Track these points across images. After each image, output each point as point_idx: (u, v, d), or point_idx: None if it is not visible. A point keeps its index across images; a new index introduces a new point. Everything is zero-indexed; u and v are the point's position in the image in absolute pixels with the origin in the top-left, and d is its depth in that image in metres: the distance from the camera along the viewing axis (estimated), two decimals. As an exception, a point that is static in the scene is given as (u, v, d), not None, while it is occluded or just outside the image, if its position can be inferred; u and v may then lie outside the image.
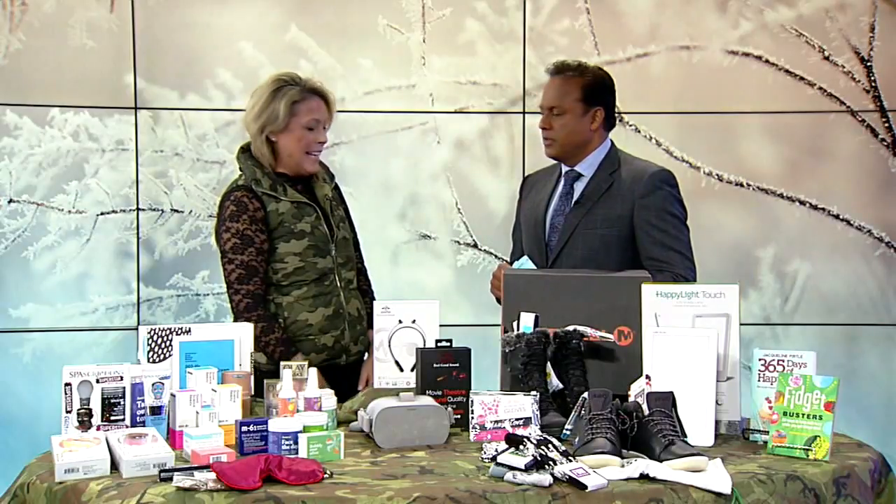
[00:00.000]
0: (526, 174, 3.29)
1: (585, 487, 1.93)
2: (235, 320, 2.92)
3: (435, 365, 2.52)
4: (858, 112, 4.32)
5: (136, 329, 3.98)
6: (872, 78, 4.32)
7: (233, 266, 2.92)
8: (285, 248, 2.94)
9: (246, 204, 2.92)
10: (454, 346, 2.56)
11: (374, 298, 3.09)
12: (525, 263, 2.90)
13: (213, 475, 1.93)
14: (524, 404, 2.36)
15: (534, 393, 2.39)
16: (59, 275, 4.18)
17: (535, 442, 2.07)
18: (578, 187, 3.02)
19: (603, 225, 2.93)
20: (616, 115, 3.09)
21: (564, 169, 3.07)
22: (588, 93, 2.99)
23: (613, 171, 2.99)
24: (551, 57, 4.23)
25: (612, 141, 3.07)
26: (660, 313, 2.50)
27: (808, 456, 2.18)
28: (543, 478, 1.95)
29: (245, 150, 3.02)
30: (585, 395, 2.27)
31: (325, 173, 3.12)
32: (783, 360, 2.42)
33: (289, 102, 2.96)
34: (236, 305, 2.93)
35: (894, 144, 4.34)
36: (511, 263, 3.11)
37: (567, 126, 2.98)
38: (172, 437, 2.32)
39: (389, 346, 2.67)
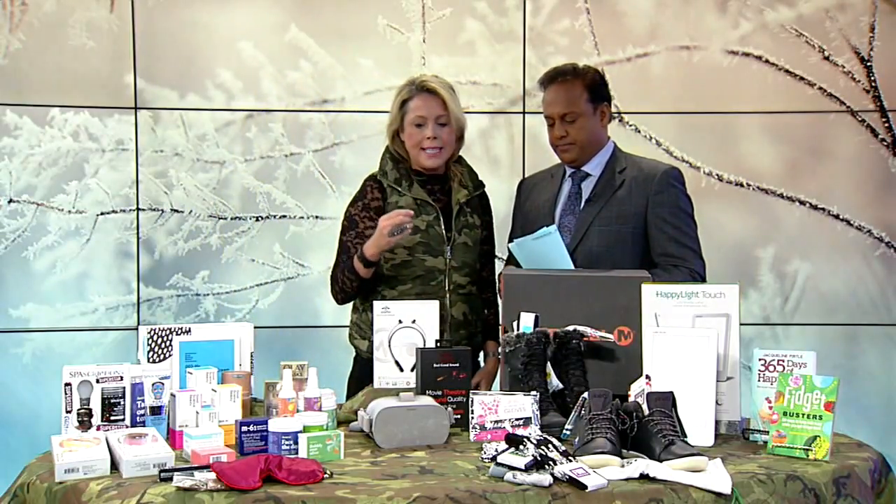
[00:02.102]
0: (522, 178, 3.28)
1: (585, 487, 1.93)
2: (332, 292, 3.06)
3: (435, 365, 2.52)
4: (858, 112, 4.33)
5: (136, 329, 3.98)
6: (872, 78, 4.32)
7: (338, 245, 3.06)
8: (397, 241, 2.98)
9: (366, 192, 3.07)
10: (454, 346, 2.56)
11: (497, 311, 3.14)
12: (552, 233, 2.81)
13: (213, 475, 1.93)
14: (524, 404, 2.36)
15: (534, 393, 2.39)
16: (59, 275, 4.18)
17: (535, 442, 2.07)
18: (587, 186, 3.03)
19: (617, 221, 2.95)
20: (616, 113, 3.10)
21: (569, 170, 3.07)
22: (593, 91, 3.00)
23: (622, 169, 3.01)
24: (551, 57, 4.26)
25: (612, 140, 3.09)
26: (660, 313, 2.50)
27: (808, 456, 2.18)
28: (543, 478, 1.95)
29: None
30: (585, 395, 2.27)
31: (468, 178, 3.15)
32: (783, 360, 2.42)
33: (399, 102, 3.07)
34: (331, 281, 3.06)
35: (894, 144, 4.34)
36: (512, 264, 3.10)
37: (584, 128, 2.99)
38: (172, 437, 2.32)
39: (389, 346, 2.67)
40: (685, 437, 2.19)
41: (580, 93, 2.99)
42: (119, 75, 4.20)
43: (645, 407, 2.23)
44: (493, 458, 2.08)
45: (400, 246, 2.96)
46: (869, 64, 4.32)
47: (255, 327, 2.72)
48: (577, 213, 3.01)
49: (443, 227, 3.03)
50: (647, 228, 2.96)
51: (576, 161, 3.04)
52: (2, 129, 4.13)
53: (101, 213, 4.21)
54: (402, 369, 2.67)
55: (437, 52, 4.30)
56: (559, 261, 2.78)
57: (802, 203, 4.35)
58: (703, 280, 2.89)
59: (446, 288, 3.02)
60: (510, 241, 3.22)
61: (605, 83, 3.06)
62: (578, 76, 3.01)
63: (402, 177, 3.05)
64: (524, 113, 4.31)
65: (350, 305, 3.14)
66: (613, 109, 3.07)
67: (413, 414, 2.33)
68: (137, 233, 4.23)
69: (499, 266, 3.24)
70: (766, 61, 4.33)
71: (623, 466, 2.05)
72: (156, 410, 2.38)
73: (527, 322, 2.55)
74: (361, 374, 2.96)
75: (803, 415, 2.22)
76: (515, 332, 2.54)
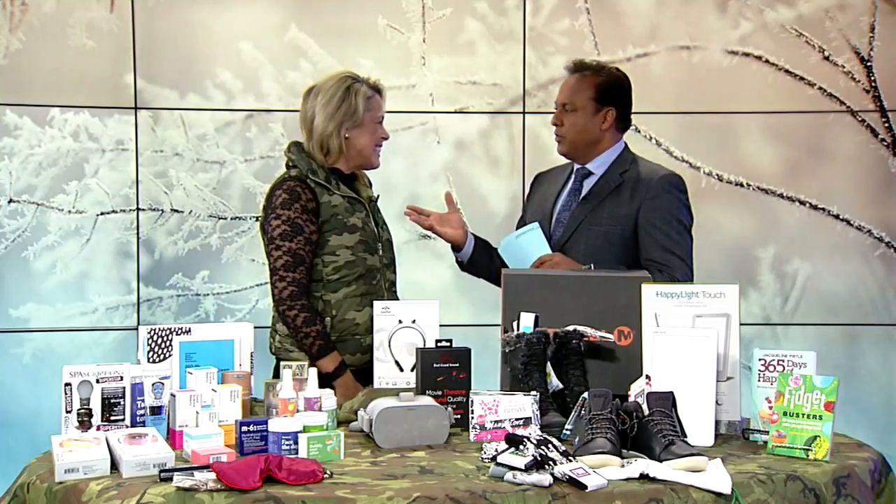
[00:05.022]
0: (536, 173, 3.30)
1: (585, 487, 1.93)
2: (277, 309, 2.91)
3: (435, 365, 2.52)
4: (858, 112, 4.32)
5: (136, 329, 3.98)
6: (872, 78, 4.32)
7: (280, 253, 2.89)
8: (337, 241, 2.93)
9: (299, 193, 2.91)
10: (454, 346, 2.56)
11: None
12: (535, 229, 2.87)
13: (213, 475, 1.93)
14: (524, 404, 2.36)
15: (534, 393, 2.39)
16: (59, 275, 4.18)
17: (535, 442, 2.07)
18: (587, 184, 3.04)
19: (608, 222, 2.95)
20: (632, 117, 3.10)
21: (576, 166, 3.09)
22: (601, 92, 3.01)
23: (624, 170, 3.01)
24: (551, 57, 4.26)
25: (625, 143, 3.09)
26: (660, 313, 2.50)
27: (808, 456, 2.18)
28: (543, 478, 1.95)
29: (297, 145, 3.03)
30: (585, 395, 2.27)
31: (366, 177, 3.15)
32: (783, 360, 2.42)
33: (364, 98, 2.99)
34: (279, 293, 2.88)
35: (894, 144, 4.33)
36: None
37: (577, 124, 3.01)
38: (172, 437, 2.32)
39: (389, 346, 2.67)
40: (685, 437, 2.19)
41: (586, 89, 3.01)
42: (119, 75, 4.20)
43: (645, 407, 2.23)
44: (493, 458, 2.08)
45: (342, 246, 2.92)
46: (869, 64, 4.32)
47: (255, 327, 2.72)
48: (572, 210, 3.02)
49: (373, 223, 3.03)
50: (637, 232, 2.95)
51: (567, 154, 3.08)
52: (2, 129, 4.13)
53: (101, 213, 4.21)
54: (402, 369, 2.67)
55: (437, 52, 4.30)
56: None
57: (802, 203, 4.35)
58: None
59: (384, 286, 3.01)
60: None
61: (621, 89, 3.06)
62: (594, 74, 3.04)
63: (329, 175, 2.98)
64: (524, 113, 4.31)
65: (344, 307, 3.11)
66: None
67: (413, 414, 2.33)
68: (137, 233, 4.23)
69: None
70: (766, 61, 4.33)
71: (623, 466, 2.05)
72: (156, 410, 2.38)
73: (527, 322, 2.55)
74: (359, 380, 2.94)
75: (803, 415, 2.22)
76: (515, 332, 2.54)
